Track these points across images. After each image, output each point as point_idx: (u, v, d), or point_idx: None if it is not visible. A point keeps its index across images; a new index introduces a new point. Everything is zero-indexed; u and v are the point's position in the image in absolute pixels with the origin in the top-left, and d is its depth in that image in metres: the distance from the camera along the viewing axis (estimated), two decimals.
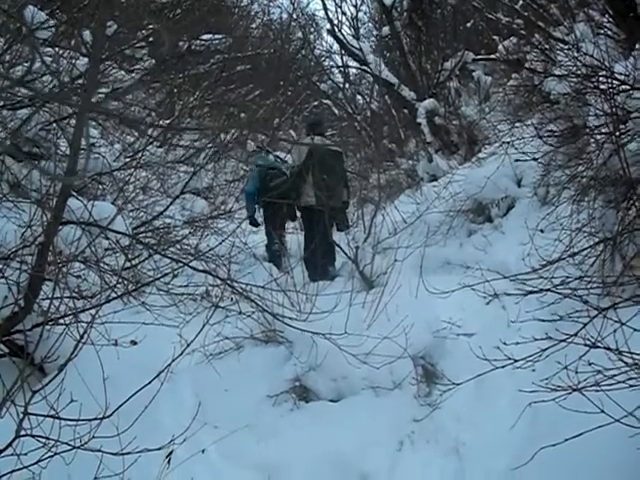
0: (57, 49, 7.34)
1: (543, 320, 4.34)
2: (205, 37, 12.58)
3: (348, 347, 4.63)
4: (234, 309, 5.57)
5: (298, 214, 8.30)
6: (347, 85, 17.67)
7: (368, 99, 17.74)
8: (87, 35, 8.10)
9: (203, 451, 3.76)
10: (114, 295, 5.11)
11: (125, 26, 7.21)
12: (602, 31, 6.80)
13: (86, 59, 7.25)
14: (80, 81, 7.17)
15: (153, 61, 9.84)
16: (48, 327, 4.39)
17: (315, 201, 7.39)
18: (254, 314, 5.46)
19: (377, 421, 4.45)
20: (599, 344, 3.25)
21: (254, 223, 9.10)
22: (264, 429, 4.39)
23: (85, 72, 6.31)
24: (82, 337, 3.12)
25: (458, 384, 4.07)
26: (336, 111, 18.40)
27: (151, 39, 9.46)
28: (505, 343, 3.90)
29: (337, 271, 7.43)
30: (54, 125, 7.55)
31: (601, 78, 5.20)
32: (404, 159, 13.47)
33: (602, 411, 2.88)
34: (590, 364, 3.07)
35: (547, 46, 8.13)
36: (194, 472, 3.47)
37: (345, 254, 6.77)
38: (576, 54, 5.69)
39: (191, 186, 10.14)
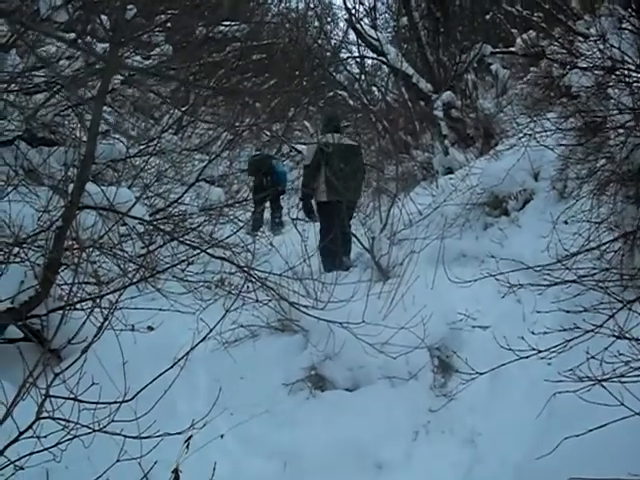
0: (74, 34, 7.31)
1: (567, 311, 4.31)
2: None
3: (365, 336, 4.63)
4: (250, 297, 5.56)
5: (315, 209, 8.28)
6: (363, 76, 17.49)
7: (384, 91, 17.59)
8: (104, 20, 8.07)
9: (222, 436, 3.75)
10: (130, 281, 5.10)
11: (143, 10, 7.17)
12: (624, 25, 6.71)
13: (102, 44, 7.22)
14: (97, 66, 7.15)
15: (170, 47, 9.78)
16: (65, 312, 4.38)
17: (327, 196, 7.38)
18: (270, 302, 5.45)
19: (393, 411, 4.46)
20: (626, 335, 3.22)
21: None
22: (280, 417, 4.40)
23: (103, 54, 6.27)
24: (105, 321, 3.10)
25: (481, 373, 4.04)
26: (351, 102, 18.26)
27: (169, 25, 9.40)
28: (533, 332, 3.90)
29: (352, 262, 7.41)
30: (70, 111, 7.57)
31: (625, 71, 5.14)
32: (419, 151, 13.40)
33: (622, 404, 2.85)
34: (620, 354, 3.04)
35: (569, 39, 8.03)
36: (211, 458, 3.46)
37: (361, 245, 6.75)
38: (601, 47, 5.61)
39: (206, 174, 10.14)
